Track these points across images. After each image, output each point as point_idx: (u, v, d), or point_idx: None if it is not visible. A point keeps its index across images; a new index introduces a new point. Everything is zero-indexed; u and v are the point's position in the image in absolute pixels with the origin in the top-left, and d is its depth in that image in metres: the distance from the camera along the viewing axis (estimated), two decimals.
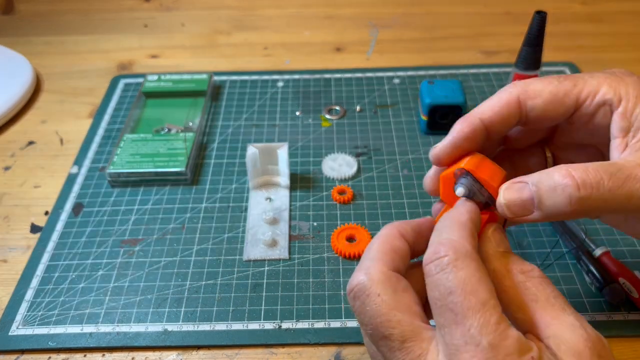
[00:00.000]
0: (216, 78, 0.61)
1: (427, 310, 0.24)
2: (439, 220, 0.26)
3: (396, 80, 0.60)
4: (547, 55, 0.60)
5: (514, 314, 0.23)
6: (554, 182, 0.24)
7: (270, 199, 0.46)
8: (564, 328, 0.22)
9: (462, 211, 0.25)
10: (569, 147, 0.31)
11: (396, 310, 0.23)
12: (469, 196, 0.27)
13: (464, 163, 0.28)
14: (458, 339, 0.21)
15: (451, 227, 0.24)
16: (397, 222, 0.27)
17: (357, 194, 0.46)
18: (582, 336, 0.21)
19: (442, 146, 0.28)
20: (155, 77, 0.58)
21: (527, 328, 0.23)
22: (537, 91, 0.27)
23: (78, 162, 0.51)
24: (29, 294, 0.40)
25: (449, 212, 0.26)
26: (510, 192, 0.26)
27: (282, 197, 0.46)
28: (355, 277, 0.24)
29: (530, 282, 0.23)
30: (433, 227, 0.26)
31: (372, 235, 0.43)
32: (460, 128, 0.28)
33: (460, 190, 0.27)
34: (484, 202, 0.27)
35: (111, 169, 0.47)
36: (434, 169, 0.30)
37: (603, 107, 0.27)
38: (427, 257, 0.23)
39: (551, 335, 0.22)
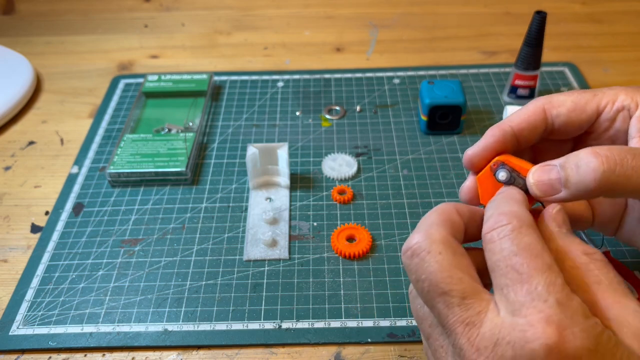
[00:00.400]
0: (216, 78, 0.61)
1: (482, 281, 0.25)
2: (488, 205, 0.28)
3: (396, 80, 0.60)
4: (547, 55, 0.61)
5: (576, 293, 0.23)
6: (579, 159, 0.25)
7: (270, 199, 0.46)
8: (627, 312, 0.22)
9: (514, 191, 0.26)
10: None
11: (457, 269, 0.23)
12: (510, 181, 0.28)
13: (499, 158, 0.29)
14: (524, 296, 0.21)
15: (509, 202, 0.25)
16: (453, 202, 0.28)
17: (357, 194, 0.46)
18: None
19: (475, 149, 0.30)
20: (156, 77, 0.58)
21: (589, 308, 0.22)
22: (561, 101, 0.30)
23: (78, 162, 0.51)
24: (29, 294, 0.40)
25: (501, 193, 0.27)
26: (538, 173, 0.27)
27: (282, 197, 0.46)
28: (413, 237, 0.25)
29: (594, 264, 0.23)
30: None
31: (372, 236, 0.43)
32: (491, 133, 0.29)
33: (502, 175, 0.29)
34: (522, 189, 0.28)
35: (111, 169, 0.47)
36: (470, 180, 0.31)
37: (622, 113, 0.29)
38: (488, 226, 0.24)
39: (613, 317, 0.22)
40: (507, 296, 0.21)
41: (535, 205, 0.29)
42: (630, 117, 0.29)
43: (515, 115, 0.30)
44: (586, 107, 0.30)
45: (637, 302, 0.23)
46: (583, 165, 0.25)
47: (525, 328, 0.20)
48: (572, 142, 0.33)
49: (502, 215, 0.24)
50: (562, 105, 0.30)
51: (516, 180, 0.29)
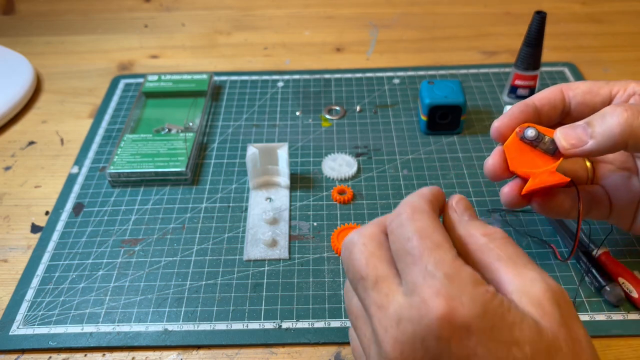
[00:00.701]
0: (216, 78, 0.61)
1: None
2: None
3: (396, 81, 0.60)
4: (546, 55, 0.61)
5: (481, 273, 0.24)
6: (604, 112, 0.29)
7: (270, 199, 0.46)
8: (525, 282, 0.23)
9: (425, 190, 0.27)
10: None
11: (375, 257, 0.25)
12: (537, 139, 0.31)
13: (521, 125, 0.32)
14: (416, 276, 0.22)
15: (412, 196, 0.26)
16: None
17: (357, 194, 0.46)
18: (542, 288, 0.23)
19: (502, 119, 0.32)
20: (156, 77, 0.58)
21: (495, 286, 0.24)
22: (577, 85, 0.33)
23: (78, 162, 0.51)
24: (30, 294, 0.40)
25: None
26: (565, 129, 0.30)
27: (282, 197, 0.46)
28: (347, 236, 0.27)
29: (494, 243, 0.25)
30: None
31: None
32: (517, 105, 0.32)
33: (530, 132, 0.31)
34: (550, 148, 0.31)
35: (111, 169, 0.47)
36: (496, 151, 0.33)
37: (633, 97, 0.32)
38: (389, 219, 0.26)
39: (514, 289, 0.23)
40: (406, 279, 0.23)
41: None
42: None
43: (537, 94, 0.33)
44: (599, 91, 0.32)
45: (536, 270, 0.24)
46: (607, 115, 0.28)
47: (419, 305, 0.22)
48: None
49: (400, 206, 0.25)
50: (577, 88, 0.33)
51: (543, 138, 0.31)
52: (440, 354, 0.21)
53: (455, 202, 0.27)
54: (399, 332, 0.22)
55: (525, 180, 0.32)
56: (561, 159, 0.31)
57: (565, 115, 0.33)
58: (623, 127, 0.28)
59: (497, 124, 0.32)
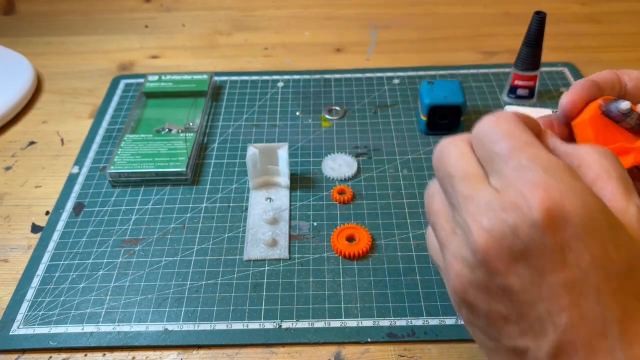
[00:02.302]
0: (216, 78, 0.61)
1: None
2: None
3: (396, 81, 0.60)
4: (546, 55, 0.61)
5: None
6: None
7: (270, 199, 0.46)
8: (630, 204, 0.22)
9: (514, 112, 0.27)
10: None
11: (466, 156, 0.25)
12: (628, 114, 0.28)
13: (599, 99, 0.29)
14: (510, 171, 0.22)
15: (498, 111, 0.26)
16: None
17: (357, 194, 0.46)
18: None
19: (573, 92, 0.29)
20: (156, 78, 0.58)
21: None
22: (629, 70, 0.31)
23: (79, 162, 0.51)
24: (30, 294, 0.40)
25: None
26: None
27: (282, 197, 0.46)
28: (442, 141, 0.26)
29: (606, 160, 0.24)
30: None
31: (372, 235, 0.43)
32: (582, 81, 0.30)
33: (624, 105, 0.28)
34: (638, 124, 0.28)
35: (112, 169, 0.47)
36: (578, 84, 0.30)
37: None
38: (476, 125, 0.25)
39: (615, 207, 0.22)
40: (497, 176, 0.23)
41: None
42: None
43: (593, 75, 0.31)
44: None
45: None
46: None
47: (514, 195, 0.21)
48: None
49: (489, 115, 0.25)
50: (631, 71, 0.31)
51: (632, 113, 0.28)
52: (531, 243, 0.21)
53: (550, 135, 0.26)
54: (488, 219, 0.22)
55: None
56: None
57: (623, 94, 0.31)
58: None
59: (570, 97, 0.29)
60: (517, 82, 0.54)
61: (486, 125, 0.24)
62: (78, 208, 0.46)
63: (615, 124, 0.28)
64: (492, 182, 0.23)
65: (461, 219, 0.23)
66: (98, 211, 0.46)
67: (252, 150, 0.45)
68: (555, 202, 0.21)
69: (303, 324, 0.37)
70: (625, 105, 0.28)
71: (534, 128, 0.26)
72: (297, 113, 0.56)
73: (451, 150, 0.25)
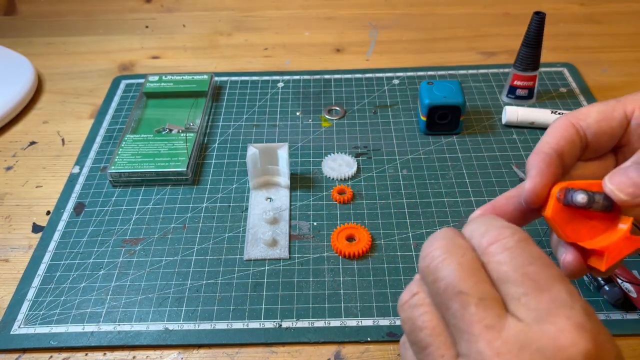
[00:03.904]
0: (217, 78, 0.61)
1: None
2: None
3: (396, 81, 0.60)
4: (545, 55, 0.61)
5: None
6: None
7: (270, 198, 0.46)
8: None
9: (492, 215, 0.25)
10: None
11: (480, 273, 0.22)
12: (591, 201, 0.25)
13: (558, 187, 0.26)
14: (547, 303, 0.20)
15: (498, 219, 0.24)
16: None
17: (357, 194, 0.47)
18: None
19: (534, 181, 0.27)
20: (156, 78, 0.59)
21: None
22: (585, 113, 0.29)
23: (79, 162, 0.51)
24: (31, 293, 0.40)
25: (480, 216, 0.26)
26: (615, 177, 0.25)
27: (282, 197, 0.46)
28: (430, 246, 0.24)
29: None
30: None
31: (372, 235, 0.43)
32: (539, 158, 0.27)
33: (581, 197, 0.25)
34: (605, 205, 0.26)
35: (112, 169, 0.47)
36: (537, 171, 0.27)
37: None
38: (491, 237, 0.23)
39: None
40: (527, 305, 0.20)
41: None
42: None
43: (548, 137, 0.28)
44: (613, 114, 0.28)
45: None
46: None
47: (556, 335, 0.19)
48: (613, 160, 0.31)
49: (504, 228, 0.23)
50: (588, 116, 0.28)
51: (595, 197, 0.25)
52: None
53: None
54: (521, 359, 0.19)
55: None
56: (628, 218, 0.26)
57: (583, 150, 0.29)
58: None
59: (531, 187, 0.27)
60: (516, 83, 0.54)
61: (512, 242, 0.22)
62: (79, 208, 0.46)
63: (585, 210, 0.26)
64: (514, 311, 0.21)
65: (475, 350, 0.20)
66: (99, 211, 0.46)
67: (252, 150, 0.45)
68: (600, 351, 0.19)
69: (303, 324, 0.37)
70: (581, 199, 0.25)
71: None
72: (297, 113, 0.56)
73: (458, 261, 0.22)
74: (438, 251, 0.23)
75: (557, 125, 0.28)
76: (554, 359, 0.19)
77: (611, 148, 0.30)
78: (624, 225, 0.25)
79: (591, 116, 0.28)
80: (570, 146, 0.28)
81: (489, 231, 0.23)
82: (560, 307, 0.20)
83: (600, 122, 0.28)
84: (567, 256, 0.27)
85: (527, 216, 0.28)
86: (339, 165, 0.49)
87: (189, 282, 0.40)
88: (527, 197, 0.27)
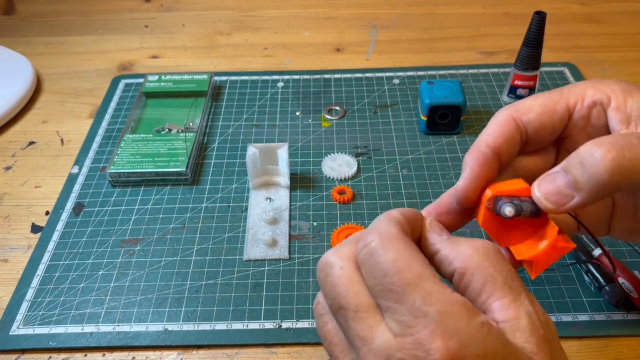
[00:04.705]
0: (216, 78, 0.61)
1: None
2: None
3: (396, 81, 0.60)
4: (546, 55, 0.61)
5: (473, 297, 0.23)
6: (581, 156, 0.23)
7: (270, 199, 0.46)
8: (520, 314, 0.22)
9: (393, 212, 0.25)
10: None
11: (355, 283, 0.23)
12: (519, 212, 0.25)
13: (488, 192, 0.26)
14: (405, 315, 0.21)
15: (378, 221, 0.24)
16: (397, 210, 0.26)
17: (357, 194, 0.46)
18: (535, 323, 0.22)
19: (465, 183, 0.27)
20: (156, 78, 0.58)
21: (486, 312, 0.22)
22: (528, 106, 0.28)
23: (79, 162, 0.51)
24: (30, 294, 0.40)
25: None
26: (543, 185, 0.25)
27: (282, 197, 0.46)
28: (324, 255, 0.25)
29: (487, 261, 0.23)
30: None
31: None
32: (472, 158, 0.27)
33: (508, 210, 0.25)
34: (534, 211, 0.26)
35: (112, 169, 0.47)
36: (469, 173, 0.27)
37: (595, 108, 0.27)
38: (357, 247, 0.23)
39: (507, 319, 0.22)
40: (392, 317, 0.21)
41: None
42: (605, 111, 0.27)
43: (487, 134, 0.28)
44: (556, 107, 0.28)
45: (530, 301, 0.22)
46: (588, 159, 0.23)
47: (415, 346, 0.20)
48: (554, 153, 0.31)
49: (367, 234, 0.23)
50: (530, 110, 0.28)
51: (523, 206, 0.25)
52: None
53: (429, 223, 0.25)
54: None
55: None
56: (554, 226, 0.26)
57: (524, 144, 0.29)
58: (611, 171, 0.22)
59: (462, 190, 0.27)
60: (517, 82, 0.54)
61: (369, 252, 0.22)
62: (78, 208, 0.46)
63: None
64: (387, 322, 0.22)
65: (357, 358, 0.22)
66: (98, 211, 0.46)
67: (252, 150, 0.45)
68: (457, 352, 0.20)
69: (303, 324, 0.37)
70: (508, 212, 0.25)
71: (415, 224, 0.25)
72: (297, 113, 0.56)
73: (338, 275, 0.23)
74: (323, 265, 0.24)
75: (498, 120, 0.28)
76: None
77: (552, 141, 0.30)
78: (551, 233, 0.26)
79: (534, 110, 0.28)
80: (509, 143, 0.27)
81: (362, 236, 0.23)
82: (417, 317, 0.21)
83: (542, 116, 0.28)
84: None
85: (465, 214, 0.28)
86: (339, 165, 0.49)
87: (188, 282, 0.40)
88: (458, 198, 0.27)
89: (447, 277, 0.24)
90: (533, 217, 0.26)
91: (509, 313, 0.22)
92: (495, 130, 0.28)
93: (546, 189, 0.25)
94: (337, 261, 0.24)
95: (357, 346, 0.22)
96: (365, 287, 0.23)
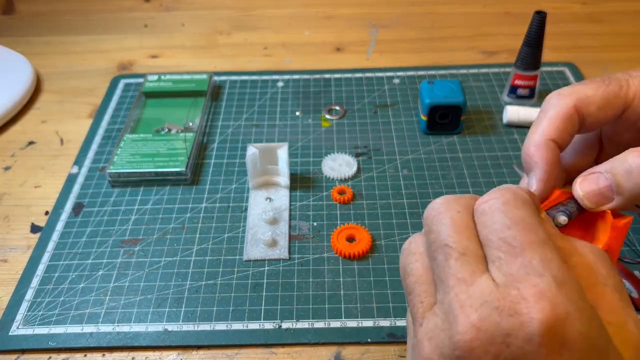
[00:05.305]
0: (216, 78, 0.61)
1: None
2: None
3: (396, 80, 0.60)
4: (546, 55, 0.61)
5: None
6: (629, 165, 0.25)
7: (270, 199, 0.46)
8: (629, 319, 0.21)
9: (525, 187, 0.25)
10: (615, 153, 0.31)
11: (468, 229, 0.22)
12: (570, 217, 0.27)
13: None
14: (517, 269, 0.20)
15: (507, 186, 0.24)
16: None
17: (357, 194, 0.46)
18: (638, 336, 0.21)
19: (539, 187, 0.28)
20: (156, 77, 0.58)
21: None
22: (591, 97, 0.28)
23: (78, 162, 0.51)
24: (29, 294, 0.40)
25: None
26: (585, 184, 0.26)
27: (282, 197, 0.46)
28: (438, 199, 0.24)
29: (601, 263, 0.22)
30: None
31: (372, 235, 0.43)
32: (542, 157, 0.27)
33: (563, 219, 0.27)
34: (579, 209, 0.27)
35: (111, 169, 0.47)
36: (541, 173, 0.28)
37: None
38: (482, 199, 0.23)
39: (614, 322, 0.21)
40: (500, 268, 0.21)
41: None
42: None
43: (550, 123, 0.28)
44: (615, 101, 0.28)
45: (635, 314, 0.22)
46: (635, 168, 0.24)
47: (517, 300, 0.19)
48: (596, 136, 0.31)
49: (497, 190, 0.23)
50: (592, 102, 0.28)
51: (570, 209, 0.27)
52: (521, 357, 0.19)
53: (544, 216, 0.25)
54: (480, 315, 0.20)
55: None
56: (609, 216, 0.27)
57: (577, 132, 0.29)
58: None
59: (540, 193, 0.28)
60: (517, 82, 0.54)
61: (497, 204, 0.22)
62: (77, 208, 0.46)
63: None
64: (491, 271, 0.21)
65: (447, 300, 0.21)
66: (97, 211, 0.46)
67: (252, 150, 0.45)
68: (560, 322, 0.19)
69: (303, 324, 0.37)
70: (562, 221, 0.27)
71: (538, 206, 0.24)
72: (297, 113, 0.56)
73: (451, 216, 0.23)
74: (438, 205, 0.24)
75: (561, 110, 0.28)
76: (507, 320, 0.19)
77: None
78: (606, 219, 0.27)
79: (595, 102, 0.28)
80: (569, 137, 0.28)
81: (487, 193, 0.23)
82: (530, 274, 0.20)
83: (601, 111, 0.28)
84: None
85: None
86: (339, 165, 0.49)
87: (188, 282, 0.40)
88: (541, 194, 0.28)
89: None
90: (580, 214, 0.27)
91: (617, 317, 0.21)
92: (557, 121, 0.28)
93: (589, 188, 0.26)
94: (454, 205, 0.23)
95: (450, 286, 0.21)
96: (477, 237, 0.22)
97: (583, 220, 0.28)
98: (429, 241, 0.23)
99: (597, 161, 0.33)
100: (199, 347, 0.36)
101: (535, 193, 0.27)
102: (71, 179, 0.49)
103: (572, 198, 0.27)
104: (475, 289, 0.21)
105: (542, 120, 0.28)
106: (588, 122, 0.28)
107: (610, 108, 0.28)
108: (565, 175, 0.31)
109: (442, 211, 0.23)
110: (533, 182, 0.28)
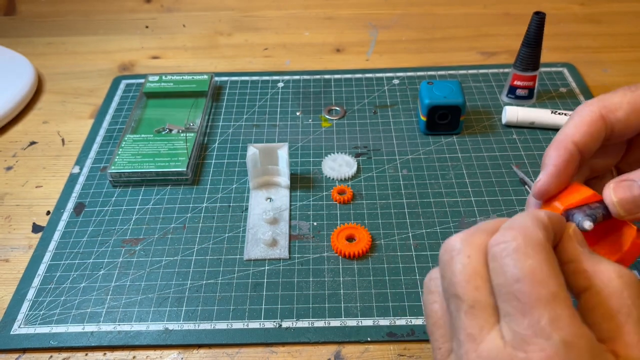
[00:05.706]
0: (217, 79, 0.61)
1: None
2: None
3: (396, 81, 0.60)
4: (545, 55, 0.61)
5: (598, 319, 0.21)
6: None
7: (270, 199, 0.46)
8: None
9: (542, 213, 0.23)
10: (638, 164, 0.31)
11: (477, 277, 0.22)
12: (595, 221, 0.26)
13: (559, 206, 0.27)
14: (525, 329, 0.20)
15: (525, 216, 0.23)
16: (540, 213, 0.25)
17: (357, 194, 0.47)
18: None
19: (546, 180, 0.27)
20: (157, 78, 0.59)
21: (606, 340, 0.21)
22: (617, 104, 0.27)
23: (79, 162, 0.51)
24: (31, 293, 0.40)
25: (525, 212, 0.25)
26: (619, 191, 0.25)
27: (282, 197, 0.46)
28: (452, 237, 0.24)
29: (627, 291, 0.21)
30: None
31: (372, 235, 0.43)
32: (557, 154, 0.27)
33: (588, 224, 0.25)
34: (606, 215, 0.26)
35: (112, 169, 0.48)
36: (551, 168, 0.27)
37: None
38: (494, 239, 0.22)
39: (625, 357, 0.20)
40: (509, 325, 0.20)
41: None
42: None
43: (575, 129, 0.27)
44: None
45: None
46: None
47: None
48: (625, 143, 0.31)
49: (510, 230, 0.22)
50: (619, 108, 0.27)
51: (596, 213, 0.26)
52: None
53: (573, 230, 0.24)
54: None
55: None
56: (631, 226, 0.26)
57: (605, 140, 0.28)
58: None
59: (542, 187, 0.27)
60: (516, 83, 0.54)
61: (508, 250, 0.21)
62: (79, 208, 0.46)
63: None
64: (502, 327, 0.20)
65: (459, 355, 0.21)
66: (99, 211, 0.46)
67: (252, 150, 0.45)
68: None
69: (303, 324, 0.37)
70: (588, 226, 0.25)
71: (558, 231, 0.23)
72: (297, 113, 0.56)
73: (462, 262, 0.22)
74: (451, 246, 0.23)
75: (585, 116, 0.27)
76: None
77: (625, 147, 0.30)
78: (629, 232, 0.26)
79: (622, 108, 0.27)
80: (595, 142, 0.27)
81: (502, 229, 0.22)
82: (537, 336, 0.19)
83: (630, 116, 0.27)
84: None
85: None
86: (339, 165, 0.49)
87: (189, 282, 0.40)
88: (539, 192, 0.27)
89: (575, 289, 0.23)
90: (605, 220, 0.26)
91: (632, 352, 0.20)
92: (582, 127, 0.27)
93: (623, 195, 0.25)
94: (465, 248, 0.22)
95: (461, 340, 0.21)
96: (488, 283, 0.22)
97: (604, 225, 0.27)
98: (443, 285, 0.23)
99: (624, 161, 0.32)
100: (199, 346, 0.37)
101: (541, 188, 0.27)
102: (72, 179, 0.49)
103: (600, 202, 0.26)
104: (483, 348, 0.20)
105: (568, 125, 0.28)
106: (617, 128, 0.27)
107: (638, 114, 0.27)
108: (588, 173, 0.31)
109: (454, 255, 0.23)
110: (541, 175, 0.27)
